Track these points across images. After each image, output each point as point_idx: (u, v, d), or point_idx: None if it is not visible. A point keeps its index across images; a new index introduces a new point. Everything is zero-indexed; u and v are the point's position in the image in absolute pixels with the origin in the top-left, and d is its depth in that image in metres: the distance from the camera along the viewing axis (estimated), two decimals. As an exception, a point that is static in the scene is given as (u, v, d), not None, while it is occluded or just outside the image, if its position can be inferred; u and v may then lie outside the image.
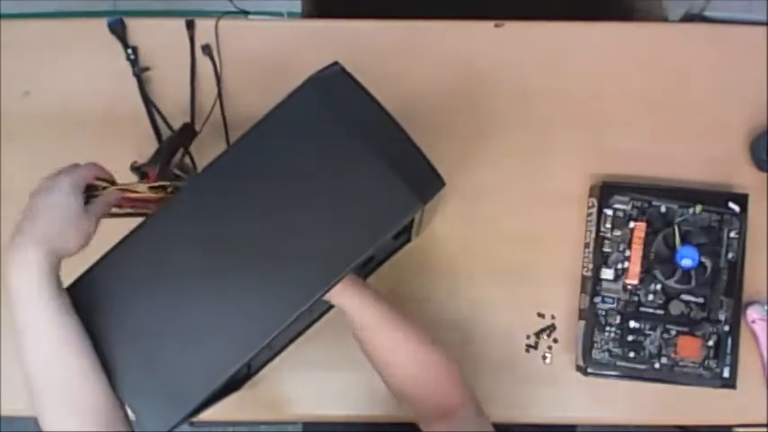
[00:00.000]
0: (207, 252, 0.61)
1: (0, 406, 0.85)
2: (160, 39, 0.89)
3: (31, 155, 0.87)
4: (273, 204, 0.61)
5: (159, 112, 0.87)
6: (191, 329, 0.61)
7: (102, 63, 0.88)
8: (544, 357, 0.85)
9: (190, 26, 0.88)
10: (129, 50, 0.87)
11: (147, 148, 0.87)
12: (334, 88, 0.63)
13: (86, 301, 0.62)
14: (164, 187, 0.72)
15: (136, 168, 0.77)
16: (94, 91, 0.88)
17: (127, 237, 0.63)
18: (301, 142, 0.62)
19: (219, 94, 0.87)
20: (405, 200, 0.61)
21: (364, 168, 0.61)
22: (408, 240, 0.84)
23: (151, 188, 0.72)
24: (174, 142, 0.81)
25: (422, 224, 0.78)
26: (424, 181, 0.63)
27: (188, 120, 0.87)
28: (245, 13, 0.96)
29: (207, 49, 0.88)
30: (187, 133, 0.84)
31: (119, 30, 0.88)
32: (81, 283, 0.63)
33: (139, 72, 0.87)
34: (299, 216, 0.61)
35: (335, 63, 0.64)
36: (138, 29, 0.89)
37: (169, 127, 0.86)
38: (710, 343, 0.80)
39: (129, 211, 0.71)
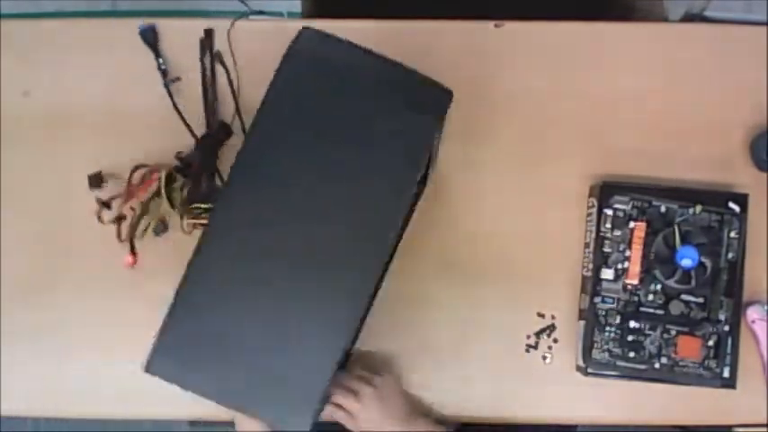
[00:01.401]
0: (264, 254, 0.61)
1: (0, 406, 0.85)
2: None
3: (31, 155, 0.88)
4: (307, 185, 0.62)
5: (184, 120, 0.86)
6: (283, 331, 0.61)
7: (102, 63, 0.88)
8: (544, 357, 0.85)
9: (208, 35, 0.87)
10: (161, 60, 0.87)
11: (147, 148, 0.87)
12: (313, 51, 0.63)
13: (186, 353, 0.62)
14: (205, 211, 0.78)
15: (180, 158, 0.82)
16: (95, 91, 0.88)
17: (188, 271, 0.62)
18: (306, 114, 0.62)
19: (236, 100, 0.86)
20: (424, 124, 0.62)
21: (375, 114, 0.62)
22: (426, 178, 0.83)
23: (191, 224, 0.79)
24: (213, 138, 0.84)
25: (437, 154, 0.80)
26: (433, 99, 0.64)
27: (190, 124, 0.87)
28: (245, 13, 0.96)
29: (218, 56, 0.87)
30: (223, 132, 0.85)
31: (150, 38, 0.87)
32: (169, 336, 0.62)
33: (169, 83, 0.86)
34: (337, 185, 0.62)
35: (305, 28, 0.64)
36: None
37: (192, 133, 0.86)
38: (710, 343, 0.80)
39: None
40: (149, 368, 0.61)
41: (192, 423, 1.05)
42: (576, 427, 0.96)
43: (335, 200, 0.62)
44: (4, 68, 0.88)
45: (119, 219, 0.82)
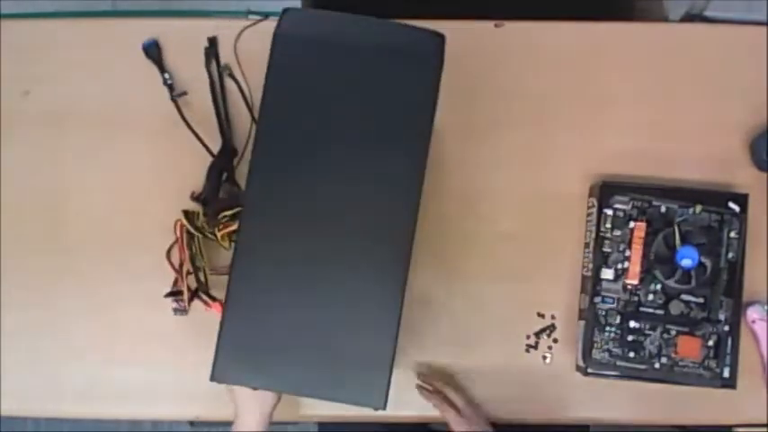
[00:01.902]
0: (299, 242, 0.62)
1: (0, 406, 0.85)
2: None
3: (31, 155, 0.87)
4: (326, 163, 0.63)
5: (197, 135, 0.86)
6: (336, 313, 0.62)
7: (102, 63, 0.88)
8: (544, 357, 0.85)
9: (212, 44, 0.87)
10: (167, 75, 0.86)
11: (147, 147, 0.87)
12: (300, 30, 0.64)
13: (247, 355, 0.62)
14: (232, 217, 0.78)
15: (196, 198, 0.83)
16: (95, 91, 0.88)
17: (232, 276, 0.63)
18: (308, 92, 0.63)
19: (250, 110, 0.86)
20: (425, 69, 0.63)
21: (376, 73, 0.63)
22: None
23: (225, 234, 0.79)
24: (219, 164, 0.83)
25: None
26: (427, 44, 0.64)
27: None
28: (245, 13, 0.96)
29: (226, 68, 0.87)
30: (227, 153, 0.85)
31: (154, 53, 0.87)
32: (227, 342, 0.63)
33: (177, 97, 0.86)
34: (357, 151, 0.63)
35: (286, 9, 0.65)
36: (137, 30, 0.89)
37: (206, 147, 0.86)
38: (710, 343, 0.80)
39: None
40: (215, 377, 0.62)
41: (192, 423, 1.05)
42: (588, 427, 0.96)
43: (357, 166, 0.63)
44: (4, 68, 0.88)
45: (193, 292, 0.80)
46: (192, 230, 0.79)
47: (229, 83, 0.87)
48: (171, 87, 0.86)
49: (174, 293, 0.80)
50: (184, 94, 0.86)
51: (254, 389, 0.66)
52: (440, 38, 0.64)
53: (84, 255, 0.86)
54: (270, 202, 0.63)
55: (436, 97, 0.64)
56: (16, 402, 0.85)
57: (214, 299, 0.79)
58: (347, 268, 0.62)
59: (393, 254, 0.62)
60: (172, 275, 0.80)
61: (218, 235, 0.79)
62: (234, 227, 0.77)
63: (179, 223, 0.79)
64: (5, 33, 0.88)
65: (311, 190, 0.63)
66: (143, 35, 0.88)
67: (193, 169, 0.85)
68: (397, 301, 0.62)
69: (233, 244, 0.79)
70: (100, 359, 0.85)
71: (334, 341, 0.62)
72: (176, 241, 0.80)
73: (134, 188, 0.87)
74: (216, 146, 0.86)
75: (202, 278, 0.81)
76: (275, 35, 0.64)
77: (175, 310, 0.83)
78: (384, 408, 0.62)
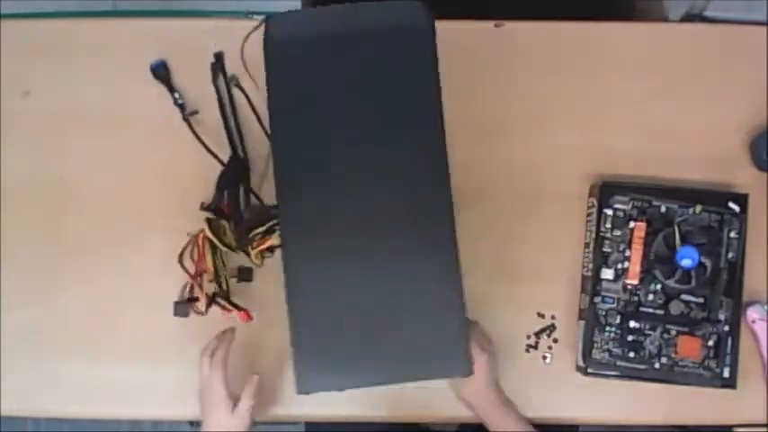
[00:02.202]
0: (346, 239, 0.63)
1: (0, 406, 0.85)
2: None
3: (31, 155, 0.87)
4: (349, 153, 0.63)
5: (208, 149, 0.85)
6: (399, 296, 0.63)
7: (102, 63, 0.88)
8: (544, 357, 0.85)
9: (218, 59, 0.86)
10: (177, 95, 0.86)
11: (147, 147, 0.87)
12: (287, 35, 0.64)
13: (326, 361, 0.63)
14: (265, 233, 0.77)
15: (206, 208, 0.81)
16: (95, 91, 0.88)
17: (289, 288, 0.63)
18: (313, 91, 0.64)
19: (260, 119, 0.86)
20: (419, 34, 0.65)
21: (373, 54, 0.64)
22: None
23: (259, 252, 0.78)
24: (230, 175, 0.83)
25: None
26: (415, 13, 0.65)
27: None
28: (246, 13, 0.96)
29: (233, 79, 0.86)
30: (236, 165, 0.84)
31: (162, 74, 0.86)
32: (304, 354, 0.63)
33: (189, 116, 0.86)
34: (376, 132, 0.63)
35: (267, 18, 0.65)
36: (139, 32, 0.89)
37: (217, 159, 0.85)
38: (710, 343, 0.80)
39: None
40: (301, 390, 0.62)
41: (192, 423, 1.05)
42: (577, 427, 0.96)
43: (380, 149, 0.63)
44: (4, 68, 0.88)
45: (210, 298, 0.79)
46: (219, 245, 0.78)
47: (237, 92, 0.87)
48: (182, 107, 0.86)
49: (191, 300, 0.79)
50: (195, 113, 0.86)
51: (341, 390, 0.65)
52: (426, 3, 0.65)
53: (85, 254, 0.86)
54: (305, 209, 0.63)
55: (436, 61, 0.65)
56: (16, 402, 0.85)
57: (238, 307, 0.78)
58: (397, 252, 0.62)
59: (437, 222, 0.63)
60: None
61: (253, 254, 0.78)
62: (268, 243, 0.77)
63: (202, 235, 0.78)
64: (5, 33, 0.88)
65: (342, 186, 0.63)
66: (143, 35, 0.88)
67: (194, 169, 0.85)
68: (454, 265, 0.62)
69: (264, 260, 0.80)
70: (100, 359, 0.85)
71: (405, 324, 0.62)
72: (187, 247, 0.79)
73: (134, 188, 0.87)
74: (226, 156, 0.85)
75: (224, 286, 0.80)
76: (266, 46, 0.64)
77: (176, 307, 0.80)
78: (472, 372, 0.62)
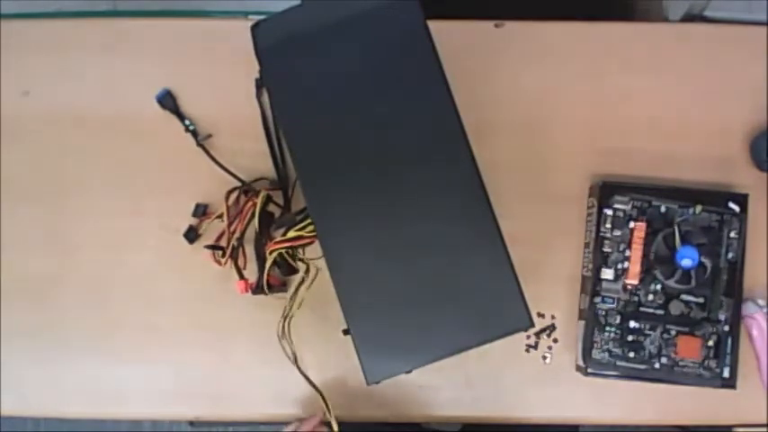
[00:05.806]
0: (382, 219, 0.63)
1: (0, 406, 0.85)
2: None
3: (31, 155, 0.88)
4: (365, 140, 0.64)
5: (227, 170, 0.84)
6: (446, 267, 0.63)
7: (102, 63, 0.88)
8: (544, 357, 0.85)
9: (259, 86, 0.85)
10: (188, 122, 0.85)
11: (148, 146, 0.87)
12: (277, 39, 0.65)
13: (387, 345, 0.63)
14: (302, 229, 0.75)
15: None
16: (95, 91, 0.88)
17: (337, 283, 0.63)
18: (315, 90, 0.65)
19: (271, 134, 0.86)
20: (408, 9, 0.65)
21: (369, 42, 0.65)
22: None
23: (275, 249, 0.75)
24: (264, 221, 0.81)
25: None
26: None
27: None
28: (245, 13, 0.96)
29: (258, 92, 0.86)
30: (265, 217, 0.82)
31: (169, 104, 0.86)
32: (364, 343, 0.63)
33: (203, 141, 0.85)
34: (387, 113, 0.64)
35: (254, 25, 0.66)
36: (136, 32, 0.89)
37: (234, 175, 0.85)
38: (710, 343, 0.80)
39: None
40: (370, 379, 0.63)
41: (192, 423, 1.05)
42: (578, 427, 0.96)
43: (394, 132, 0.64)
44: (4, 68, 0.88)
45: (232, 251, 0.78)
46: (257, 215, 0.77)
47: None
48: (194, 133, 0.85)
49: (215, 247, 0.80)
50: (209, 137, 0.86)
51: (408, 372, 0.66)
52: None
53: (84, 255, 0.86)
54: (336, 207, 0.64)
55: (430, 35, 0.66)
56: (16, 402, 0.85)
57: (242, 276, 0.79)
58: (434, 224, 0.63)
59: (466, 184, 0.64)
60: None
61: (297, 257, 0.77)
62: (285, 244, 0.75)
63: (252, 201, 0.77)
64: (5, 33, 0.88)
65: (368, 179, 0.64)
66: (143, 35, 0.89)
67: (194, 169, 0.85)
68: (492, 222, 0.64)
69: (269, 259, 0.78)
70: (100, 359, 0.85)
71: (455, 288, 0.63)
72: (230, 212, 0.78)
73: (134, 188, 0.87)
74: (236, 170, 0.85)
75: (240, 253, 0.80)
76: (258, 54, 0.65)
77: (189, 231, 0.81)
78: (533, 325, 0.63)
